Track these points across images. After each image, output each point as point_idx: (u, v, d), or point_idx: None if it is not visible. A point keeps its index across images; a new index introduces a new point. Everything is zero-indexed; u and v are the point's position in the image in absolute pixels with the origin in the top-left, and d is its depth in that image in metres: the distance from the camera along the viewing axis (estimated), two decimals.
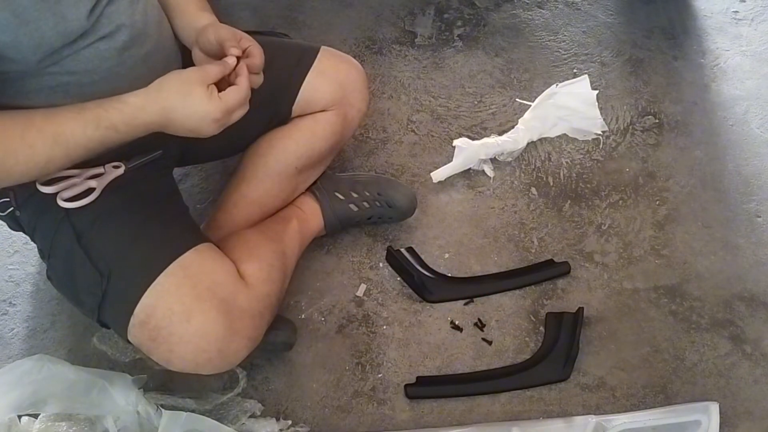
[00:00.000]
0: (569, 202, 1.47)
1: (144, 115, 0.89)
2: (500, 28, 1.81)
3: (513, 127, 1.55)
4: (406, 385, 1.21)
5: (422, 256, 1.36)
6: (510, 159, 1.53)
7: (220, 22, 1.06)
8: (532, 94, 1.63)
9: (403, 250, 1.34)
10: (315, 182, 1.33)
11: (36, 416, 1.09)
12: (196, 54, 1.01)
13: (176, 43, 1.08)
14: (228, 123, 0.93)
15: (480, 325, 1.29)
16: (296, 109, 1.21)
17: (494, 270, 1.37)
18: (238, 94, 0.92)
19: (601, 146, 1.56)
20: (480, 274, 1.36)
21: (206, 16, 1.06)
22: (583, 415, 1.16)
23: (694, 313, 1.30)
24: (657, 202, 1.47)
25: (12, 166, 0.83)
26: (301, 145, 1.23)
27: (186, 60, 1.07)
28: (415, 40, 1.78)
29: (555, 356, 1.22)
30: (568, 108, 1.57)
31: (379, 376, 1.24)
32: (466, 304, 1.32)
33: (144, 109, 0.89)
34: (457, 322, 1.29)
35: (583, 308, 1.26)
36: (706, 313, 1.30)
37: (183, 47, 1.08)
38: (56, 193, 0.95)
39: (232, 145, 1.26)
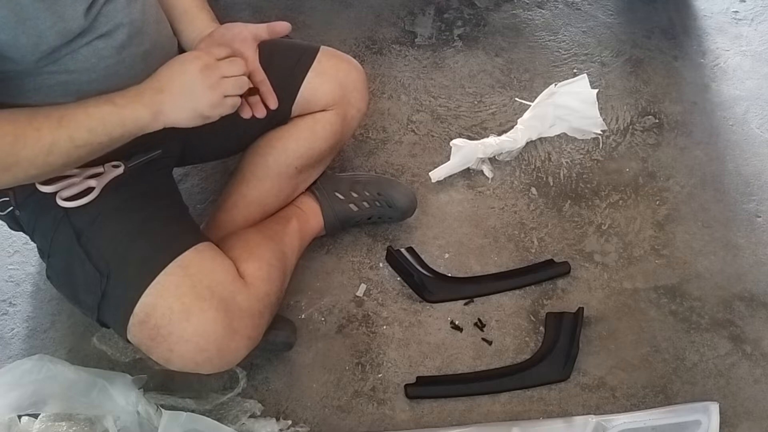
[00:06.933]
0: (569, 202, 1.47)
1: (138, 86, 0.90)
2: (500, 28, 1.81)
3: (513, 127, 1.55)
4: (406, 385, 1.21)
5: (422, 256, 1.36)
6: (509, 159, 1.53)
7: (222, 22, 1.07)
8: (532, 94, 1.63)
9: (403, 250, 1.34)
10: (315, 182, 1.32)
11: (36, 416, 1.09)
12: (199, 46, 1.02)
13: (175, 43, 1.08)
14: (219, 75, 0.92)
15: (480, 325, 1.29)
16: (296, 108, 1.21)
17: (494, 270, 1.36)
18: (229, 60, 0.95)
19: (601, 146, 1.56)
20: (480, 274, 1.36)
21: (215, 26, 1.07)
22: (583, 415, 1.16)
23: (694, 313, 1.30)
24: (657, 202, 1.47)
25: (20, 150, 0.83)
26: (300, 145, 1.23)
27: None
28: (415, 40, 1.78)
29: (555, 356, 1.22)
30: (568, 107, 1.57)
31: (379, 376, 1.23)
32: (466, 304, 1.32)
33: (140, 84, 0.91)
34: (457, 322, 1.29)
35: (583, 308, 1.26)
36: (706, 313, 1.30)
37: (182, 48, 1.08)
38: (55, 193, 0.95)
39: (232, 144, 1.26)
